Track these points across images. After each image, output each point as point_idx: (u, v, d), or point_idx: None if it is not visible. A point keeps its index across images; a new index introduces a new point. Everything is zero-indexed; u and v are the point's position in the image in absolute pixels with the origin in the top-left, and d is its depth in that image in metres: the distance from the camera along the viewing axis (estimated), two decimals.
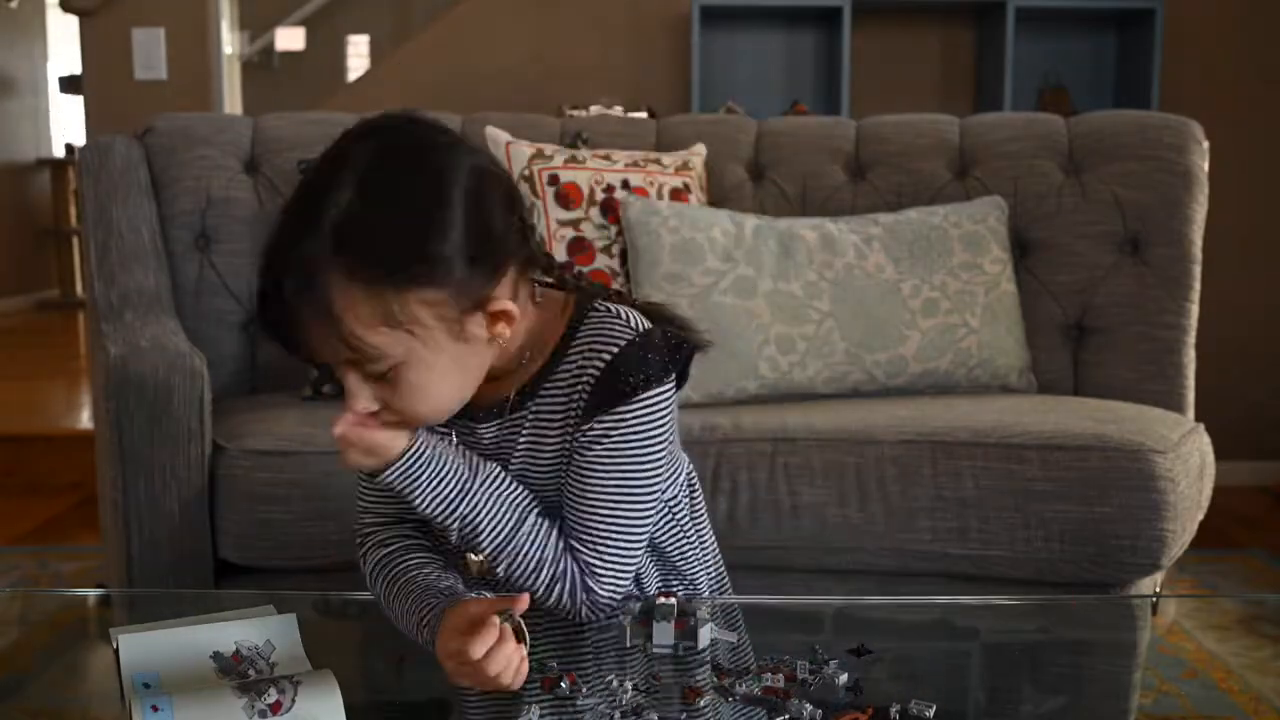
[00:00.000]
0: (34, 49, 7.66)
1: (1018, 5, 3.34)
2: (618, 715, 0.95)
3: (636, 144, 2.37)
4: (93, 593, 1.57)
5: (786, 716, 0.95)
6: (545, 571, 1.11)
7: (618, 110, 3.36)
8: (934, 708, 0.94)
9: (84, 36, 3.72)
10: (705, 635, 1.08)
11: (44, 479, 3.57)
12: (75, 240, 6.90)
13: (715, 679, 1.01)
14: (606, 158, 2.20)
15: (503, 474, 1.13)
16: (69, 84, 7.02)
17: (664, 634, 1.07)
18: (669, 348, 1.10)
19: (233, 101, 4.26)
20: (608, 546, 1.11)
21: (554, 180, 2.12)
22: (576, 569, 1.11)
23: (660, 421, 1.11)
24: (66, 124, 7.88)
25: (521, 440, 1.13)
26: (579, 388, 1.10)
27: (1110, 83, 3.59)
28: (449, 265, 1.00)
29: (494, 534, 1.11)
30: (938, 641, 1.15)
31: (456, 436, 1.14)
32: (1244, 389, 3.54)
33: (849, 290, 2.09)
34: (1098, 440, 1.79)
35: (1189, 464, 1.82)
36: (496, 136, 2.17)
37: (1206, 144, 2.27)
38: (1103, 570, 1.77)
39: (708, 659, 1.06)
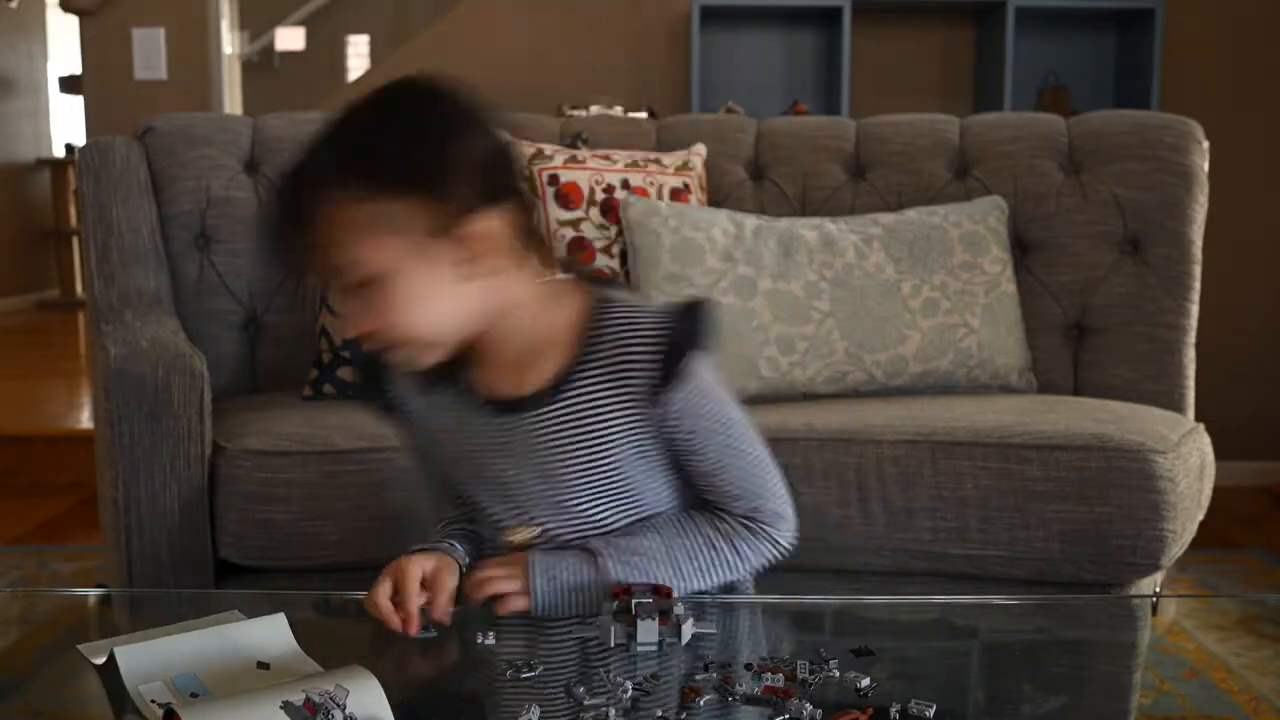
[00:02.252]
0: (34, 49, 7.66)
1: (1018, 5, 3.34)
2: (614, 713, 0.94)
3: (636, 144, 2.37)
4: (93, 593, 1.57)
5: (786, 716, 0.95)
6: (721, 568, 1.19)
7: (618, 110, 3.36)
8: (934, 707, 0.94)
9: (84, 36, 3.72)
10: (688, 630, 1.08)
11: (44, 479, 3.57)
12: (75, 240, 6.90)
13: (716, 678, 1.01)
14: (606, 158, 2.20)
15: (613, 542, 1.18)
16: (69, 84, 7.02)
17: (649, 631, 1.07)
18: (696, 313, 1.15)
19: (233, 101, 4.26)
20: (765, 492, 1.20)
21: (554, 180, 2.12)
22: (748, 533, 1.19)
23: (717, 377, 1.18)
24: (66, 124, 7.88)
25: (559, 429, 1.15)
26: (623, 373, 1.13)
27: (1110, 83, 3.59)
28: (438, 179, 1.07)
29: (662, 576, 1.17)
30: (938, 641, 1.15)
31: (490, 430, 1.17)
32: (1244, 389, 3.54)
33: (849, 290, 2.09)
34: (1098, 440, 1.79)
35: (1189, 464, 1.82)
36: None
37: (1206, 144, 2.26)
38: (1103, 570, 1.77)
39: (712, 658, 1.06)
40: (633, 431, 1.15)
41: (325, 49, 7.01)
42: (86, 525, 3.10)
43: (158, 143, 2.25)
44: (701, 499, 1.22)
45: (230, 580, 1.85)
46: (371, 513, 1.80)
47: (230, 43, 4.39)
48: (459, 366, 1.17)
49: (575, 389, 1.14)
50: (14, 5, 7.24)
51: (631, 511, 1.19)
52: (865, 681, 1.00)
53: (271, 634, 1.05)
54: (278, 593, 1.65)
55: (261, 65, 6.86)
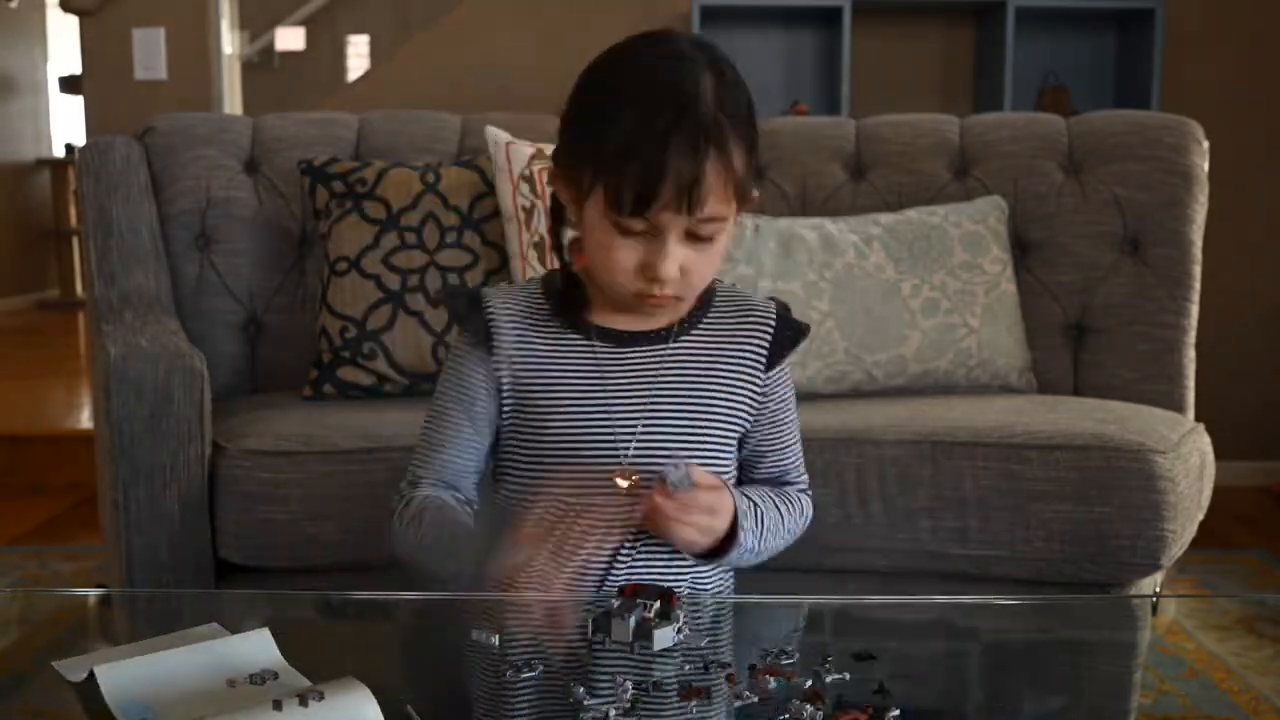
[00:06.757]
0: (34, 49, 7.66)
1: (1018, 5, 3.34)
2: (614, 713, 0.94)
3: None
4: (93, 593, 1.57)
5: (787, 717, 0.94)
6: (788, 536, 1.30)
7: None
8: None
9: (84, 36, 3.73)
10: (666, 637, 1.07)
11: (44, 479, 3.58)
12: (75, 240, 6.90)
13: (717, 679, 1.01)
14: None
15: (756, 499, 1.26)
16: (69, 84, 7.02)
17: (649, 632, 1.07)
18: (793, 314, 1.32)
19: (233, 101, 4.26)
20: (802, 463, 1.34)
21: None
22: (804, 506, 1.33)
23: None
24: (66, 124, 7.88)
25: (665, 369, 1.24)
26: (744, 334, 1.27)
27: (1110, 83, 3.59)
28: (756, 138, 1.18)
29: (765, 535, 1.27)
30: (938, 642, 1.15)
31: (604, 359, 1.23)
32: (1244, 389, 3.54)
33: (849, 290, 2.09)
34: (1098, 440, 1.79)
35: (1189, 464, 1.82)
36: (496, 136, 2.16)
37: (1206, 144, 2.26)
38: (1103, 570, 1.78)
39: (712, 658, 1.05)
40: (741, 386, 1.26)
41: (325, 49, 7.02)
42: (86, 525, 3.10)
43: (158, 143, 2.25)
44: (760, 477, 1.32)
45: (230, 580, 1.85)
46: (371, 513, 1.79)
47: (230, 43, 4.39)
48: (574, 304, 1.24)
49: (700, 335, 1.25)
50: (14, 5, 7.24)
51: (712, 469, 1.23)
52: (874, 683, 1.00)
53: (257, 649, 1.02)
54: (278, 593, 1.65)
55: (261, 65, 6.86)
